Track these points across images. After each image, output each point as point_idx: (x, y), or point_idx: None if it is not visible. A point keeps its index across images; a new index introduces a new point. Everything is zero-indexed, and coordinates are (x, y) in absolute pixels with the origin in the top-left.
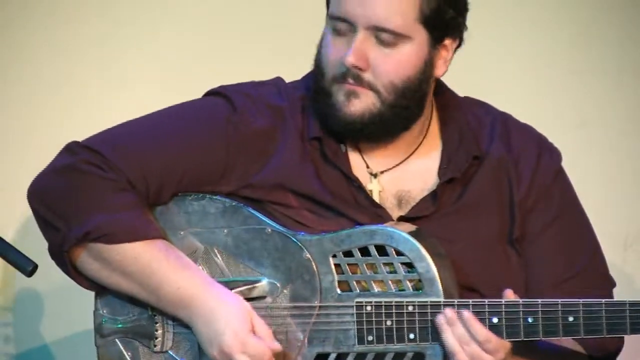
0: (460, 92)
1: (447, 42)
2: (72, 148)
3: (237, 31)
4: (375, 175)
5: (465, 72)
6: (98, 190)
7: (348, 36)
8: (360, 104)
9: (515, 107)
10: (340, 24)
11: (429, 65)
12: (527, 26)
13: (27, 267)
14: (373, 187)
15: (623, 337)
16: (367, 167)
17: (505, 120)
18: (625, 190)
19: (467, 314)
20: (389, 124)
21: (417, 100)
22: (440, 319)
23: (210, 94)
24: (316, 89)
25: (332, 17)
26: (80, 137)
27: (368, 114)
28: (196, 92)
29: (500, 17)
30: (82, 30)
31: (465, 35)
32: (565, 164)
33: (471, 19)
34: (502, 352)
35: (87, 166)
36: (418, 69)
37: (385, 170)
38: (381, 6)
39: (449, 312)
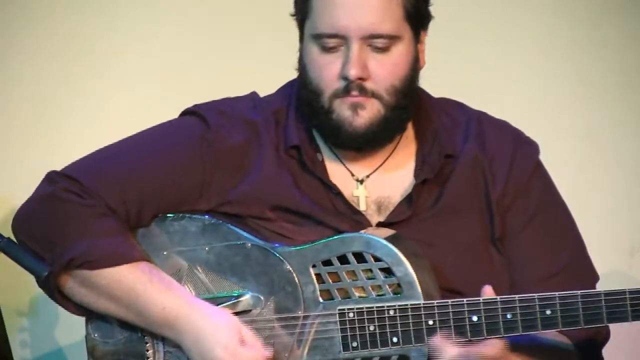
0: (466, 99)
1: (423, 34)
2: (51, 177)
3: (236, 31)
4: (361, 182)
5: (471, 80)
6: (79, 218)
7: (339, 50)
8: (367, 114)
9: (521, 115)
10: (329, 41)
11: (416, 60)
12: (534, 34)
13: (43, 273)
14: (359, 193)
15: (608, 327)
16: (352, 174)
17: (480, 119)
18: (631, 198)
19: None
20: (391, 127)
21: (412, 97)
22: (432, 350)
23: (185, 113)
24: (314, 108)
25: (319, 36)
26: (80, 138)
27: (375, 122)
28: (195, 92)
29: (507, 25)
30: (81, 30)
31: (473, 41)
32: (572, 172)
33: (478, 26)
34: (498, 353)
35: (67, 194)
36: (410, 66)
37: (369, 175)
38: (372, 14)
39: (434, 341)
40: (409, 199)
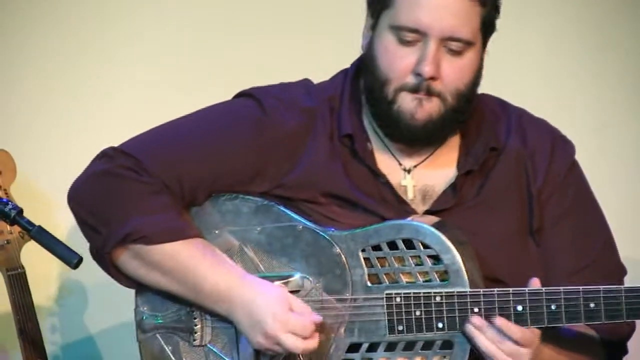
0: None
1: (487, 43)
2: (108, 153)
3: (236, 31)
4: (409, 171)
5: (484, 77)
6: (135, 194)
7: (415, 46)
8: (428, 111)
9: (534, 111)
10: (408, 34)
11: (481, 67)
12: (546, 30)
13: (73, 260)
14: (407, 182)
15: (634, 323)
16: (400, 163)
17: (520, 115)
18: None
19: (499, 321)
20: (447, 127)
21: (471, 103)
22: (470, 328)
23: (241, 95)
24: (375, 96)
25: (399, 28)
26: (86, 135)
27: (434, 119)
28: (195, 92)
29: (520, 21)
30: (79, 29)
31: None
32: (585, 166)
33: None
34: (536, 341)
35: (124, 170)
36: (476, 73)
37: (416, 166)
38: (455, 17)
39: (476, 319)
40: (453, 188)
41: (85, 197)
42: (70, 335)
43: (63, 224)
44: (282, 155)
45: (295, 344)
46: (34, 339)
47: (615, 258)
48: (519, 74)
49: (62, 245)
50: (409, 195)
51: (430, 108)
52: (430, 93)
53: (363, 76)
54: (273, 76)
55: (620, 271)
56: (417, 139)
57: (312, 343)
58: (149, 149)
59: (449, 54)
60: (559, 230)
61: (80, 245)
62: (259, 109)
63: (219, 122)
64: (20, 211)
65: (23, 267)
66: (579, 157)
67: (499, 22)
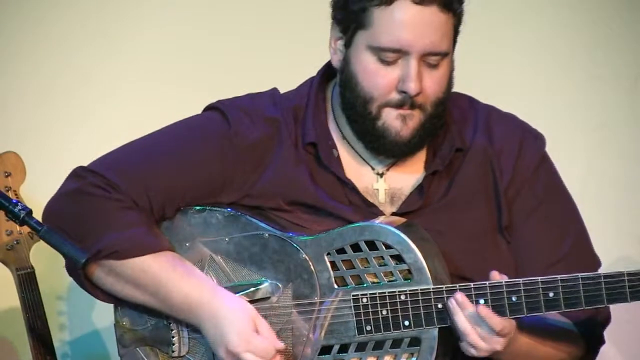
0: (477, 95)
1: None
2: (78, 173)
3: (236, 30)
4: (381, 175)
5: (482, 76)
6: (105, 211)
7: (396, 63)
8: (413, 124)
9: (532, 110)
10: (389, 54)
11: (453, 71)
12: (545, 29)
13: (80, 259)
14: (379, 186)
15: (608, 309)
16: (372, 168)
17: (489, 113)
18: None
19: (483, 310)
20: (428, 134)
21: (446, 105)
22: (452, 302)
23: (208, 109)
24: (358, 112)
25: (380, 49)
26: (93, 139)
27: (417, 132)
28: (201, 92)
29: (519, 23)
30: (93, 34)
31: (484, 38)
32: (583, 164)
33: (491, 25)
34: (511, 331)
35: (93, 189)
36: (451, 80)
37: (388, 169)
38: (434, 33)
39: (459, 296)
40: (420, 190)
41: (57, 216)
42: (78, 333)
43: None
44: (248, 165)
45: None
46: (43, 336)
47: (589, 250)
48: (518, 73)
49: (70, 245)
50: (380, 199)
51: (413, 123)
52: (413, 107)
53: (341, 91)
54: (270, 75)
55: (595, 263)
56: (402, 153)
57: None
58: (117, 166)
59: (427, 67)
60: (530, 225)
61: None
62: (223, 122)
63: (185, 137)
64: (29, 212)
65: (32, 267)
66: (576, 156)
67: (496, 24)
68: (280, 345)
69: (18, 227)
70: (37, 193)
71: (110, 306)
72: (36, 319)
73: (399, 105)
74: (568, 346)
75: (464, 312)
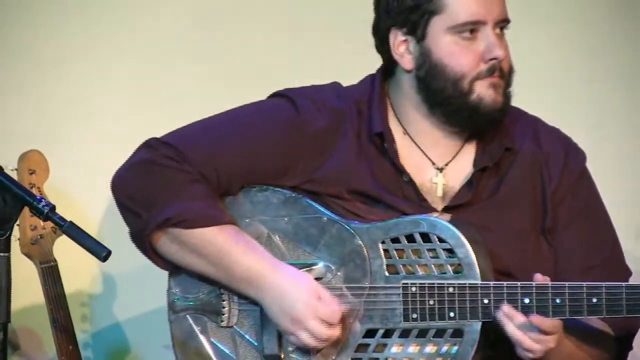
0: None
1: None
2: (151, 144)
3: (236, 29)
4: (441, 170)
5: None
6: (175, 181)
7: (475, 38)
8: (501, 92)
9: (534, 112)
10: (469, 29)
11: None
12: (544, 31)
13: (102, 253)
14: (438, 180)
15: None
16: (433, 162)
17: (535, 122)
18: (635, 184)
19: (535, 319)
20: (509, 102)
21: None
22: (501, 315)
23: (276, 95)
24: (449, 94)
25: (461, 25)
26: (113, 139)
27: (506, 98)
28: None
29: (518, 21)
30: (112, 34)
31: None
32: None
33: None
34: (560, 329)
35: (166, 160)
36: None
37: (447, 164)
38: (500, 2)
39: (506, 308)
40: (469, 185)
41: (128, 183)
42: (99, 324)
43: (92, 219)
44: (312, 152)
45: (321, 330)
46: (66, 327)
47: (621, 259)
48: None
49: (92, 240)
50: (438, 193)
51: (501, 90)
52: (501, 74)
53: (425, 85)
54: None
55: (626, 271)
56: (497, 120)
57: (336, 331)
58: (189, 141)
59: (497, 37)
60: (571, 232)
61: (109, 239)
62: (292, 109)
63: (255, 120)
64: (52, 208)
65: (55, 260)
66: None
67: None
68: (343, 308)
69: (42, 222)
70: (60, 190)
71: (130, 298)
72: (59, 310)
73: (489, 74)
74: (601, 350)
75: (514, 322)
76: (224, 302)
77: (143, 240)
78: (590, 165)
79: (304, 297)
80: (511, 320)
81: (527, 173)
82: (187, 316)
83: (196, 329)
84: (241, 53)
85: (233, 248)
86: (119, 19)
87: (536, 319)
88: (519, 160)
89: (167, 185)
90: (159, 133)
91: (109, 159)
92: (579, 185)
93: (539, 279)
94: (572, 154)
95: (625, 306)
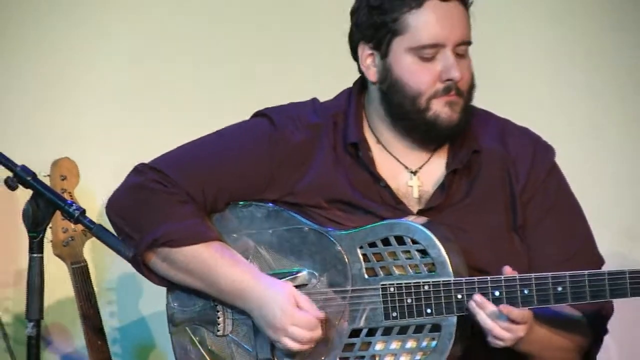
0: (477, 100)
1: None
2: (140, 169)
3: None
4: (415, 173)
5: (481, 81)
6: (163, 204)
7: (434, 59)
8: (458, 108)
9: (531, 115)
10: (428, 51)
11: None
12: (542, 35)
13: (129, 254)
14: (413, 183)
15: (612, 302)
16: (406, 167)
17: (503, 124)
18: (632, 188)
19: (504, 308)
20: (467, 117)
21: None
22: (472, 304)
23: (257, 115)
24: (406, 110)
25: (421, 47)
26: (140, 145)
27: (462, 114)
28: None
29: (516, 26)
30: (143, 43)
31: (484, 43)
32: (577, 163)
33: (490, 30)
34: (529, 319)
35: (153, 183)
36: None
37: (421, 167)
38: (461, 25)
39: (477, 297)
40: (442, 188)
41: (120, 208)
42: (126, 320)
43: None
44: (291, 166)
45: (301, 334)
46: (95, 323)
47: (594, 250)
48: (516, 78)
49: (119, 241)
50: (414, 194)
51: (458, 107)
52: (458, 93)
53: (386, 97)
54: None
55: (599, 261)
56: (452, 135)
57: (315, 334)
58: (175, 164)
59: (458, 58)
60: (543, 227)
61: None
62: (271, 127)
63: (237, 140)
64: (83, 212)
65: (85, 261)
66: (574, 159)
67: (497, 28)
68: (321, 315)
69: (73, 225)
70: (90, 195)
71: (155, 296)
72: (89, 308)
73: (445, 93)
74: (577, 336)
75: (485, 311)
76: (219, 313)
77: (137, 261)
78: (584, 166)
79: (282, 305)
80: (482, 310)
81: (496, 173)
82: (186, 328)
83: (195, 339)
84: (264, 59)
85: (218, 262)
86: (159, 29)
87: (505, 307)
88: (487, 161)
89: (156, 207)
90: (186, 139)
91: (132, 162)
92: (547, 181)
93: (508, 271)
94: (539, 152)
95: (589, 292)
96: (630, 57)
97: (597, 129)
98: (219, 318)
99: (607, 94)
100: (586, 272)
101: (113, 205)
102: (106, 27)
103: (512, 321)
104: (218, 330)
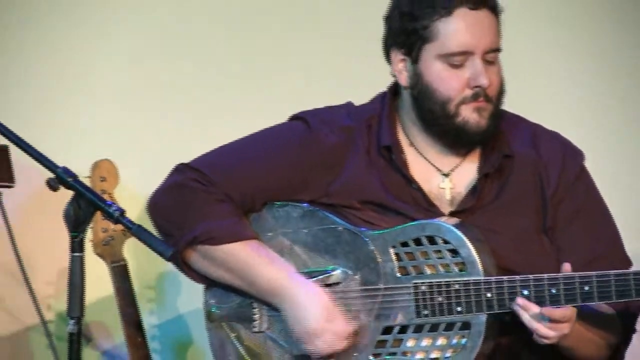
0: None
1: None
2: (180, 169)
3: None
4: (447, 175)
5: None
6: (203, 203)
7: (463, 66)
8: (486, 114)
9: (546, 119)
10: (457, 58)
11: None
12: (556, 39)
13: (167, 253)
14: (445, 185)
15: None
16: (438, 169)
17: (534, 129)
18: None
19: (546, 310)
20: (496, 122)
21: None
22: (516, 307)
23: (293, 118)
24: (436, 115)
25: (450, 55)
26: (177, 147)
27: (491, 120)
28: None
29: (528, 30)
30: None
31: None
32: (590, 163)
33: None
34: (573, 316)
35: (193, 183)
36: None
37: (453, 170)
38: (490, 33)
39: (521, 300)
40: (473, 190)
41: (160, 206)
42: (165, 318)
43: None
44: (325, 168)
45: (333, 342)
46: (134, 320)
47: (622, 251)
48: (530, 82)
49: (158, 241)
50: (447, 196)
51: (486, 113)
52: (486, 99)
53: (417, 102)
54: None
55: (626, 263)
56: (481, 141)
57: (345, 344)
58: (214, 164)
59: (487, 65)
60: (572, 229)
61: None
62: (306, 130)
63: (273, 142)
64: (122, 212)
65: (125, 260)
66: (587, 158)
67: (512, 30)
68: (350, 328)
69: (112, 226)
70: (129, 196)
71: (193, 294)
72: (128, 306)
73: (473, 99)
74: (608, 332)
75: (528, 312)
76: (255, 310)
77: (176, 259)
78: (595, 166)
79: (315, 313)
80: (526, 311)
81: (527, 177)
82: (223, 324)
83: (232, 335)
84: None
85: (255, 261)
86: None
87: (546, 309)
88: (518, 165)
89: (195, 206)
90: (220, 142)
91: (172, 167)
92: (577, 184)
93: (567, 269)
94: (569, 156)
95: (615, 292)
96: (631, 57)
97: (606, 130)
98: (255, 315)
99: (618, 93)
100: (612, 272)
101: (154, 204)
102: (143, 31)
103: (554, 320)
104: (254, 327)
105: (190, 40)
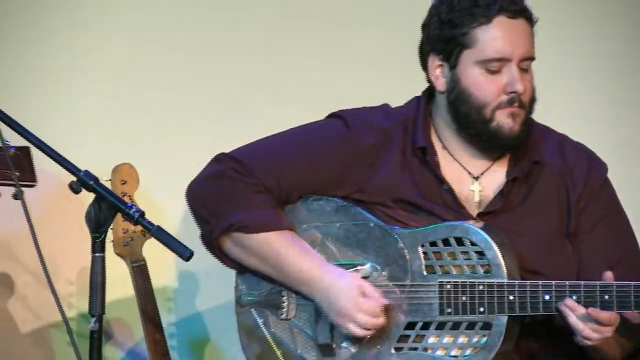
0: None
1: None
2: (220, 159)
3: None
4: (477, 178)
5: None
6: (240, 192)
7: (500, 72)
8: (520, 120)
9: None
10: (495, 64)
11: None
12: (567, 46)
13: (185, 254)
14: (475, 187)
15: None
16: (469, 172)
17: (561, 139)
18: None
19: (593, 311)
20: (528, 128)
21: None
22: (563, 307)
23: (332, 116)
24: (472, 120)
25: (488, 61)
26: (195, 152)
27: (523, 126)
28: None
29: (540, 37)
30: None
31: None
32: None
33: None
34: (617, 321)
35: (232, 172)
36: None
37: (483, 173)
38: (527, 41)
39: (569, 302)
40: (502, 194)
41: (199, 193)
42: (183, 316)
43: (177, 224)
44: (361, 166)
45: (366, 320)
46: (154, 318)
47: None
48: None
49: (177, 242)
50: (475, 199)
51: (519, 119)
52: (520, 105)
53: (453, 106)
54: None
55: None
56: (513, 146)
57: (380, 321)
58: (253, 156)
59: (521, 72)
60: (593, 235)
61: (191, 241)
62: (345, 128)
63: (312, 138)
64: (142, 214)
65: (144, 260)
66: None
67: None
68: (385, 301)
69: (132, 227)
70: (149, 198)
71: (210, 293)
72: (148, 304)
73: (509, 105)
74: (627, 338)
75: (575, 313)
76: (284, 298)
77: (212, 244)
78: (613, 175)
79: (348, 294)
80: (573, 312)
81: (553, 183)
82: (252, 310)
83: (259, 321)
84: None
85: (288, 251)
86: (203, 32)
87: (592, 311)
88: (546, 172)
89: (233, 195)
90: (236, 145)
91: (189, 173)
92: (600, 194)
93: (608, 277)
94: (594, 166)
95: (633, 302)
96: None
97: (621, 142)
98: (283, 302)
99: (632, 107)
100: (632, 282)
101: (192, 191)
102: (163, 34)
103: (600, 323)
104: (282, 314)
105: (212, 48)
